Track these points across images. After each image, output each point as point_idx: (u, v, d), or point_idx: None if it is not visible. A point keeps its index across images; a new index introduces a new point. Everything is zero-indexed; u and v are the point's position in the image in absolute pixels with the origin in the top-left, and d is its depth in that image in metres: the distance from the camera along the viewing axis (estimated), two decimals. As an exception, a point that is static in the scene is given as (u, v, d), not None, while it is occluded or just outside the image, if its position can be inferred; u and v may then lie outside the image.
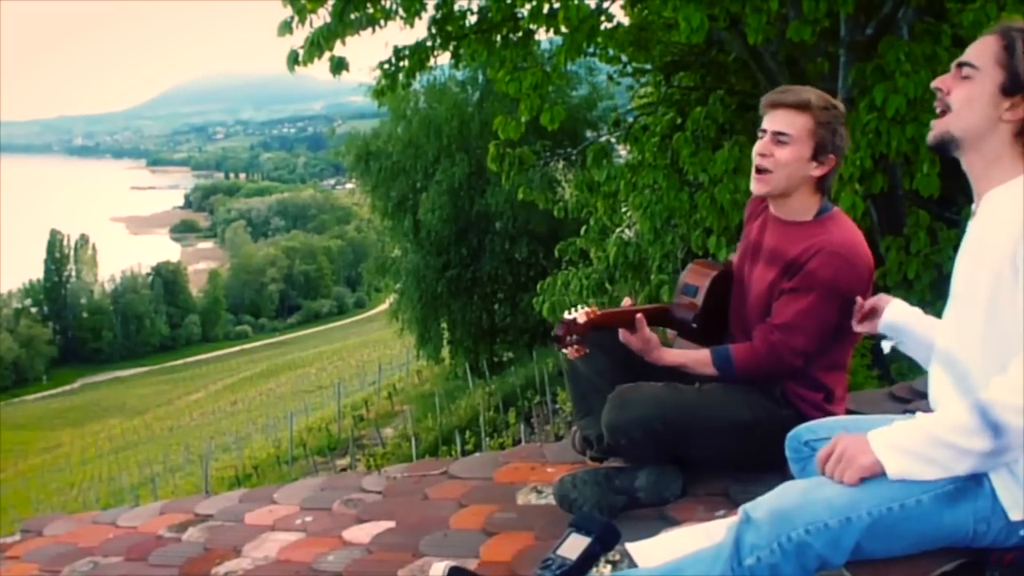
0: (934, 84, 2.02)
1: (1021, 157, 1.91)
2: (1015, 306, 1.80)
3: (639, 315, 2.75)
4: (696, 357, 2.77)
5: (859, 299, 2.51)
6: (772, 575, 1.85)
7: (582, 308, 2.69)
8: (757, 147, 2.72)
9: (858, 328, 2.51)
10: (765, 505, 1.89)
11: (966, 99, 1.93)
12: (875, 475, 1.87)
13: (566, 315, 2.67)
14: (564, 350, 2.69)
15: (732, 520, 1.95)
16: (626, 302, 2.91)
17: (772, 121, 2.69)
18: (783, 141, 2.66)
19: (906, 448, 1.86)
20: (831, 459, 1.92)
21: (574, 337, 2.66)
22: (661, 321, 2.86)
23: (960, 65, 1.96)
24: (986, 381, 1.81)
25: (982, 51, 1.94)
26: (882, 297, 2.48)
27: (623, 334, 2.76)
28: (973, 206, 2.01)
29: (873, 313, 2.46)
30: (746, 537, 1.87)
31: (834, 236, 2.65)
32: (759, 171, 2.72)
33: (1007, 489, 1.87)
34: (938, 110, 1.99)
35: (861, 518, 1.86)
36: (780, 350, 2.65)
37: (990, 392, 1.77)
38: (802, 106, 2.65)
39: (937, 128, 1.99)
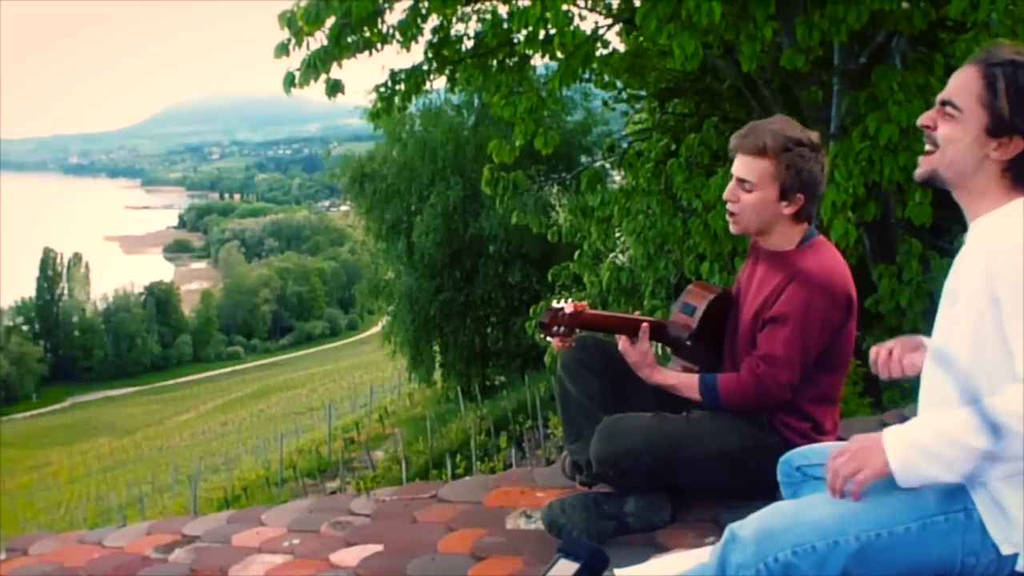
0: (920, 122, 1.99)
1: (1008, 190, 1.90)
2: (997, 336, 1.78)
3: (645, 325, 2.75)
4: (685, 382, 2.77)
5: (874, 349, 2.29)
6: None
7: (571, 300, 2.70)
8: (726, 192, 2.76)
9: (888, 376, 2.28)
10: (752, 524, 1.88)
11: (951, 139, 1.91)
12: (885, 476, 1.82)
13: (554, 304, 2.68)
14: (549, 339, 2.69)
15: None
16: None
17: (737, 166, 2.72)
18: (747, 188, 2.69)
19: (915, 441, 1.81)
20: (844, 457, 1.86)
21: (561, 328, 2.65)
22: (656, 336, 2.87)
23: (943, 103, 1.94)
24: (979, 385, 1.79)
25: (964, 88, 1.90)
26: (906, 341, 2.28)
27: (623, 343, 2.76)
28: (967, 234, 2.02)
29: (893, 359, 2.26)
30: (732, 556, 1.86)
31: (809, 264, 2.66)
32: (730, 214, 2.76)
33: (995, 523, 1.85)
34: (927, 147, 1.97)
35: (849, 542, 1.84)
36: (767, 383, 2.65)
37: (1000, 398, 1.72)
38: (760, 152, 2.65)
39: (925, 164, 1.98)
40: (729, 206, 2.75)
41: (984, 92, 1.87)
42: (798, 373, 2.64)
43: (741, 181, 2.70)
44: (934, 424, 1.81)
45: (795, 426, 2.70)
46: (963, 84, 1.91)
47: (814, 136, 2.72)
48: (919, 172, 1.99)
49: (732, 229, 2.79)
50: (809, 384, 2.68)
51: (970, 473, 1.80)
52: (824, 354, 2.67)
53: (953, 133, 1.91)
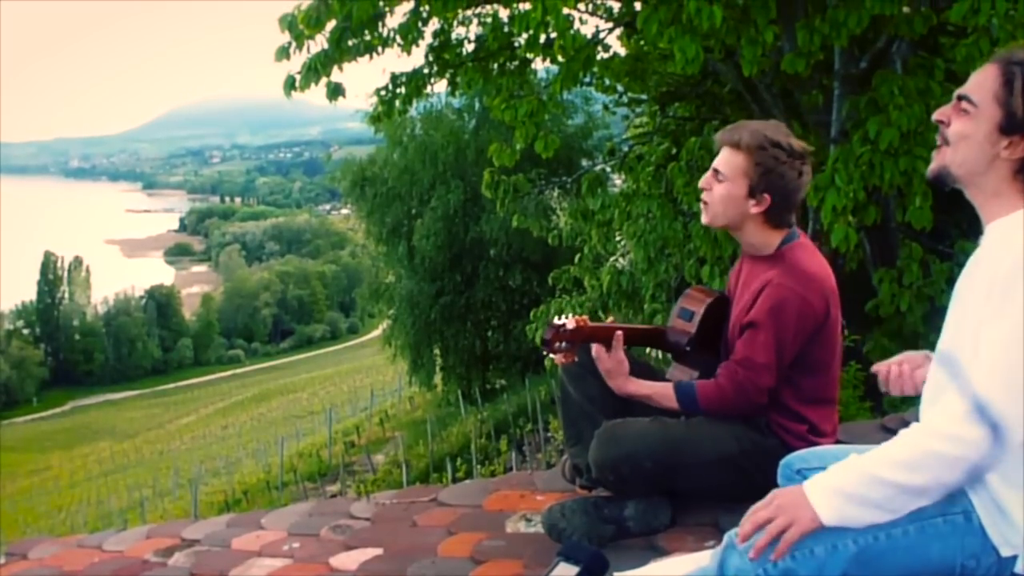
0: (935, 116, 1.98)
1: (1021, 192, 1.90)
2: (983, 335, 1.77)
3: (618, 333, 2.73)
4: (660, 391, 2.74)
5: (879, 366, 2.28)
6: None
7: (572, 315, 2.70)
8: (702, 179, 2.79)
9: (900, 392, 2.27)
10: None
11: (963, 135, 1.90)
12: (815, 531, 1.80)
13: (555, 320, 2.67)
14: (552, 355, 2.68)
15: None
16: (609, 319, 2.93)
17: (717, 158, 2.76)
18: (720, 179, 2.72)
19: (841, 489, 1.80)
20: (767, 511, 1.85)
21: (562, 344, 2.65)
22: (656, 343, 2.85)
23: (960, 98, 1.93)
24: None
25: (982, 85, 1.89)
26: (911, 357, 2.27)
27: (596, 349, 2.73)
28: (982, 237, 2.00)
29: (903, 375, 2.24)
30: (731, 560, 1.85)
31: (786, 267, 2.66)
32: (702, 202, 2.79)
33: (995, 526, 1.84)
34: (938, 143, 1.96)
35: (847, 546, 1.83)
36: (747, 387, 2.64)
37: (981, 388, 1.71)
38: (735, 145, 2.68)
39: (936, 161, 1.96)
40: (703, 195, 2.78)
41: (1000, 89, 1.86)
42: (775, 376, 2.65)
43: (716, 172, 2.73)
44: (857, 466, 1.80)
45: (792, 428, 2.70)
46: (981, 80, 1.90)
47: (799, 145, 2.71)
48: (930, 169, 1.98)
49: (702, 219, 2.81)
50: (789, 386, 2.68)
51: (906, 509, 1.79)
52: (804, 356, 2.66)
53: (965, 129, 1.90)
